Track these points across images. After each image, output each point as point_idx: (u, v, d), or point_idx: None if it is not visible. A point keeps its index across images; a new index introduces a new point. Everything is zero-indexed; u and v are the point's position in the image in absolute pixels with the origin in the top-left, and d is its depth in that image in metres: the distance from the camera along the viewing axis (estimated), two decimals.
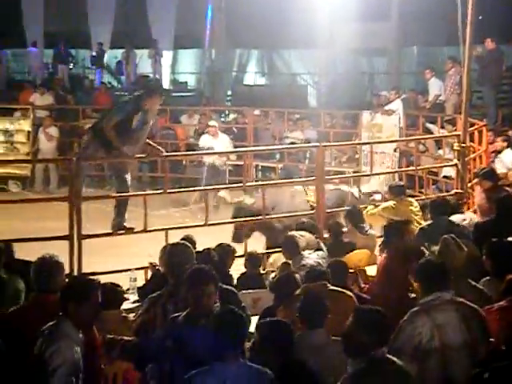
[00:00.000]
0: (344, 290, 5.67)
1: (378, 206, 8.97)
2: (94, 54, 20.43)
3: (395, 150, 13.56)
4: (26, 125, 15.91)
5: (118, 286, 5.89)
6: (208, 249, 6.41)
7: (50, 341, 4.09)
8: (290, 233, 7.39)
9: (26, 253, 6.55)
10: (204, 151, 13.12)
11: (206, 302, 4.42)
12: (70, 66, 19.96)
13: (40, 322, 4.31)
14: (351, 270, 6.56)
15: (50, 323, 4.21)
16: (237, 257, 7.30)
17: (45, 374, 3.97)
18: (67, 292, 4.34)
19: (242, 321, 4.06)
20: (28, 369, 4.11)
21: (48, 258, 4.87)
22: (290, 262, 6.76)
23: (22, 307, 4.85)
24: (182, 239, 6.27)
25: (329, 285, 5.58)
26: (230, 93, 20.74)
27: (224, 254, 6.80)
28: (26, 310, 4.74)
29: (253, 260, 7.38)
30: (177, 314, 4.54)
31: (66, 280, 4.96)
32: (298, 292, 5.33)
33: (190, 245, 5.30)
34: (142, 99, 8.27)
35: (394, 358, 3.97)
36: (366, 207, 8.92)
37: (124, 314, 5.63)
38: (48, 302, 4.63)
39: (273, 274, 6.92)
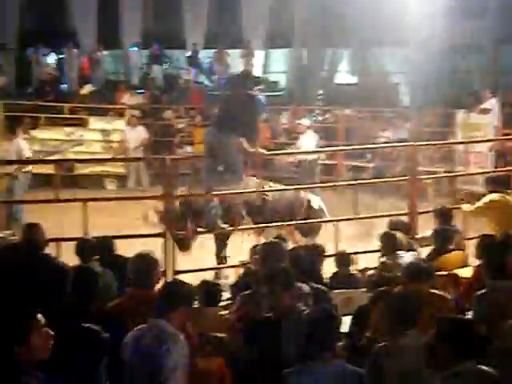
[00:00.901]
0: (442, 293, 5.54)
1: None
2: (188, 54, 20.76)
3: (490, 150, 13.28)
4: (121, 124, 16.35)
5: (217, 284, 5.98)
6: (298, 248, 6.42)
7: (161, 340, 4.15)
8: (389, 231, 7.29)
9: (119, 250, 6.76)
10: (297, 150, 13.15)
11: (288, 302, 4.45)
12: (165, 67, 20.33)
13: (136, 318, 4.41)
14: (445, 272, 6.44)
15: (152, 321, 4.27)
16: (326, 256, 7.29)
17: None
18: (174, 297, 4.37)
19: (335, 320, 4.06)
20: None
21: (145, 255, 4.99)
22: (385, 259, 6.69)
23: (119, 302, 4.97)
24: (275, 238, 6.31)
25: (429, 285, 5.43)
26: (320, 92, 20.69)
27: (314, 253, 6.81)
28: (124, 304, 4.86)
29: (343, 259, 7.35)
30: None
31: (169, 282, 5.01)
32: (395, 291, 5.25)
33: (282, 243, 5.33)
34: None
35: (486, 368, 3.70)
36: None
37: (221, 312, 5.71)
38: (144, 297, 4.74)
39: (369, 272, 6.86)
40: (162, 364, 4.04)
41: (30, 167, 12.25)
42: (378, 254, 7.25)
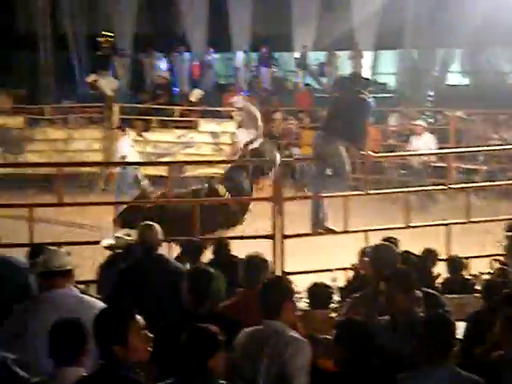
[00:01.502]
0: None
1: None
2: (297, 56, 20.82)
3: None
4: (230, 126, 16.54)
5: (328, 286, 5.97)
6: (407, 252, 6.33)
7: (285, 342, 4.18)
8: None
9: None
10: (410, 152, 12.96)
11: (407, 305, 4.38)
12: (274, 69, 20.47)
13: (248, 318, 4.46)
14: None
15: (268, 323, 4.31)
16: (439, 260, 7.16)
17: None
18: (284, 292, 4.41)
19: (451, 325, 3.99)
20: None
21: (256, 257, 5.04)
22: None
23: (231, 303, 5.03)
24: (385, 240, 6.23)
25: None
26: (431, 93, 20.33)
27: (427, 257, 6.69)
28: (235, 305, 4.92)
29: (455, 264, 7.20)
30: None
31: (271, 278, 5.06)
32: None
33: (393, 246, 5.26)
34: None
35: None
36: None
37: (331, 315, 5.69)
38: (255, 298, 4.78)
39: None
40: (285, 369, 4.08)
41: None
42: (491, 258, 7.06)
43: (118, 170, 13.40)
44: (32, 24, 19.66)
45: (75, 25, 20.16)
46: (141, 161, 13.72)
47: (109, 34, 16.71)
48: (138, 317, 3.70)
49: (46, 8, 19.17)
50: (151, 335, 3.73)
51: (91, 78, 16.34)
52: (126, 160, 12.70)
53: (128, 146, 13.39)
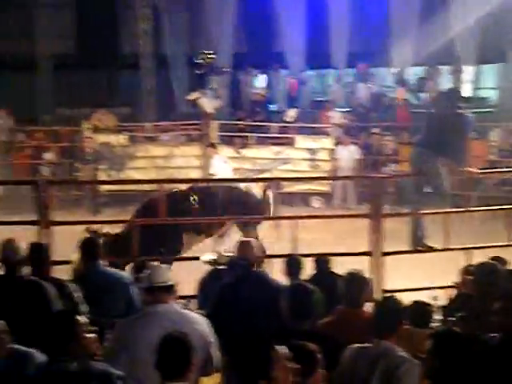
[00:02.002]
0: None
1: None
2: (394, 71, 20.63)
3: None
4: (328, 143, 16.58)
5: (429, 304, 5.89)
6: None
7: (396, 362, 4.17)
8: None
9: None
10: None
11: None
12: (370, 85, 20.34)
13: (348, 336, 4.44)
14: None
15: (378, 343, 4.28)
16: None
17: None
18: (399, 312, 4.36)
19: None
20: None
21: (357, 274, 5.02)
22: None
23: (331, 320, 5.02)
24: (492, 259, 6.09)
25: None
26: None
27: None
28: (335, 322, 4.91)
29: None
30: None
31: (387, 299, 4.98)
32: None
33: (500, 265, 5.14)
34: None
35: None
36: None
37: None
38: (354, 316, 4.76)
39: None
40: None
41: None
42: None
43: None
44: (135, 45, 20.25)
45: (176, 44, 20.61)
46: (234, 177, 13.93)
47: (209, 52, 17.02)
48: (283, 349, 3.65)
49: (147, 29, 19.74)
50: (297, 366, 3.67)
51: (193, 95, 16.69)
52: (217, 177, 12.93)
53: (220, 163, 13.65)
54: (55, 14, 20.71)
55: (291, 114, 17.69)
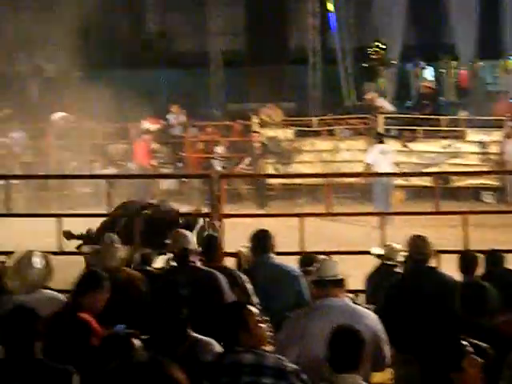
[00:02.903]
0: None
1: None
2: None
3: None
4: (499, 136, 15.99)
5: None
6: None
7: None
8: None
9: None
10: None
11: None
12: None
13: None
14: None
15: None
16: None
17: None
18: None
19: None
20: None
21: None
22: None
23: (509, 319, 4.83)
24: None
25: None
26: None
27: None
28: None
29: None
30: None
31: None
32: None
33: None
34: None
35: None
36: None
37: None
38: None
39: None
40: None
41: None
42: None
43: (372, 179, 13.67)
44: (303, 40, 20.44)
45: (344, 38, 20.58)
46: (396, 170, 13.79)
47: (379, 45, 16.90)
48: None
49: (316, 24, 19.85)
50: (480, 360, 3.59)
51: (370, 95, 16.67)
52: (373, 169, 12.88)
53: (377, 155, 13.54)
54: (227, 12, 21.27)
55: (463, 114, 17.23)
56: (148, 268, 6.60)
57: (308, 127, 17.55)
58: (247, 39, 21.95)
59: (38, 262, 5.32)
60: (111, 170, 16.55)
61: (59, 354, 4.14)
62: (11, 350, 3.95)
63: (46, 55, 16.72)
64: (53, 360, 3.99)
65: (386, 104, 16.79)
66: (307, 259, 6.55)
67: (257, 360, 3.83)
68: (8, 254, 5.94)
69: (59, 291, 5.79)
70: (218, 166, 17.01)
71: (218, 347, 4.19)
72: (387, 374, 4.82)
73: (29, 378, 3.85)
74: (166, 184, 16.90)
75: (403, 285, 5.67)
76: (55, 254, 7.39)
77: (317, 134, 17.35)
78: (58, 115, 16.74)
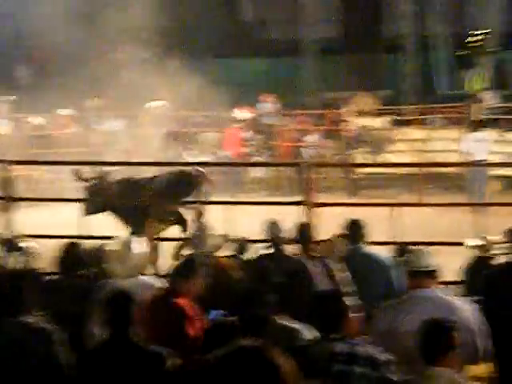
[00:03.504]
0: None
1: None
2: None
3: None
4: None
5: None
6: None
7: None
8: None
9: None
10: None
11: None
12: None
13: None
14: None
15: None
16: None
17: None
18: None
19: None
20: None
21: None
22: None
23: None
24: None
25: None
26: None
27: None
28: None
29: None
30: None
31: None
32: None
33: None
34: None
35: None
36: None
37: None
38: None
39: None
40: None
41: None
42: None
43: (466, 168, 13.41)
44: (397, 27, 20.16)
45: (440, 25, 20.19)
46: (492, 160, 13.46)
47: (478, 33, 16.52)
48: None
49: (410, 11, 19.54)
50: None
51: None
52: (468, 158, 12.60)
53: (472, 143, 13.25)
54: (322, 0, 21.18)
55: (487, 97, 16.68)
56: (240, 256, 6.71)
57: (401, 116, 17.33)
58: (341, 27, 21.81)
59: (137, 247, 5.48)
60: (203, 158, 16.76)
61: (156, 339, 4.27)
62: (110, 332, 4.11)
63: (142, 43, 17.03)
64: (149, 344, 4.13)
65: (487, 97, 16.37)
66: (399, 249, 6.51)
67: (350, 349, 3.86)
68: (107, 238, 6.12)
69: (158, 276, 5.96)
70: (308, 155, 16.98)
71: (307, 334, 4.23)
72: (484, 368, 4.74)
73: (125, 361, 4.01)
74: (257, 172, 17.01)
75: (503, 276, 5.56)
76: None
77: (410, 122, 17.11)
78: (153, 103, 17.04)
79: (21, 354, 4.15)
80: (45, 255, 6.74)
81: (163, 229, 8.96)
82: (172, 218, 9.03)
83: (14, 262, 5.70)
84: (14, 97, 16.38)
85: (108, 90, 16.51)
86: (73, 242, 6.14)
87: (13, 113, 16.44)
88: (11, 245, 6.56)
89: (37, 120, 16.22)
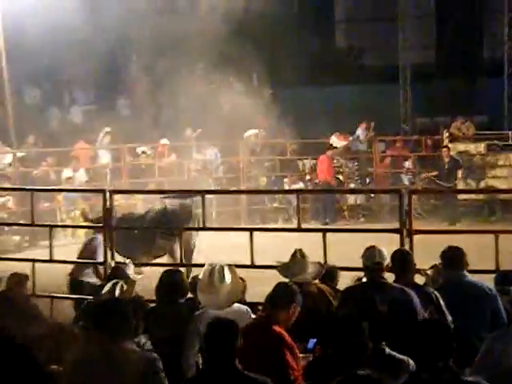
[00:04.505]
0: None
1: None
2: None
3: None
4: None
5: None
6: None
7: None
8: None
9: None
10: None
11: None
12: None
13: None
14: None
15: None
16: None
17: None
18: None
19: None
20: None
21: None
22: None
23: None
24: None
25: None
26: None
27: None
28: None
29: None
30: None
31: None
32: None
33: None
34: None
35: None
36: None
37: None
38: None
39: None
40: None
41: None
42: None
43: None
44: (497, 51, 19.72)
45: None
46: None
47: None
48: None
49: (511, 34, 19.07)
50: None
51: None
52: None
53: None
54: (417, 25, 20.93)
55: None
56: (330, 283, 6.62)
57: (501, 141, 16.89)
58: (438, 52, 21.52)
59: (229, 276, 5.45)
60: (300, 185, 16.77)
61: (255, 367, 4.24)
62: (213, 361, 4.08)
63: (235, 72, 17.23)
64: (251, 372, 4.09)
65: None
66: (503, 277, 6.29)
67: (455, 379, 3.74)
68: (200, 266, 6.12)
69: (254, 304, 5.93)
70: (406, 181, 16.76)
71: (411, 364, 4.12)
72: None
73: None
74: (354, 199, 16.90)
75: None
76: (247, 267, 7.57)
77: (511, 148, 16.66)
78: (250, 132, 17.19)
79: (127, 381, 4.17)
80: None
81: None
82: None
83: (119, 289, 5.77)
84: (109, 128, 16.73)
85: (205, 120, 16.78)
86: (174, 270, 6.20)
87: (112, 143, 16.81)
88: (117, 273, 6.71)
89: (140, 149, 16.53)
